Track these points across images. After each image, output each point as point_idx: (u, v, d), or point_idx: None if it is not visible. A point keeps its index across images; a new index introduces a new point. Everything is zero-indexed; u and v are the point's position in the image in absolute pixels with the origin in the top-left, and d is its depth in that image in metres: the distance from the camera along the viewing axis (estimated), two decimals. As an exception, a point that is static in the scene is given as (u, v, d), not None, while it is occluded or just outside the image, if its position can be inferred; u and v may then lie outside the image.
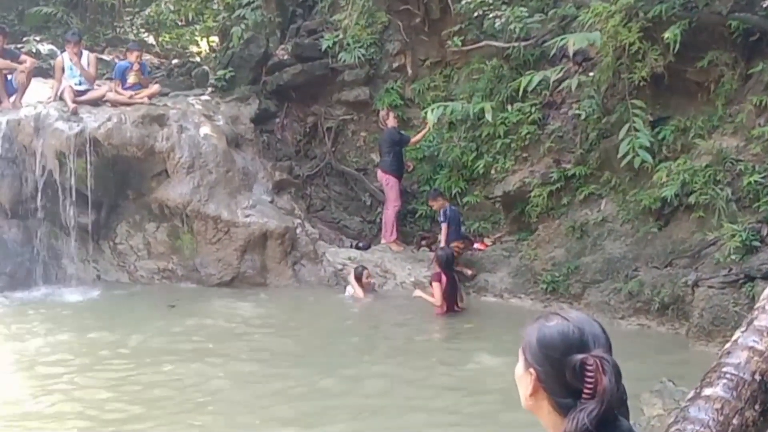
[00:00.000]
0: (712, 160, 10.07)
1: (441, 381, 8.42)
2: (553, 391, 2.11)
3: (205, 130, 12.94)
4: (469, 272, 12.00)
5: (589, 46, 10.87)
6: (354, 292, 11.82)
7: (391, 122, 13.29)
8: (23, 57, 13.18)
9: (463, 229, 12.42)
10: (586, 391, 2.03)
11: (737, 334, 3.53)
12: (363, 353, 9.59)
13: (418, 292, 11.26)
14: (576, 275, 10.99)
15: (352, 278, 11.89)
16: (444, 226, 11.94)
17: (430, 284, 11.18)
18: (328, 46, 14.14)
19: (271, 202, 13.15)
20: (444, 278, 10.92)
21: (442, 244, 11.80)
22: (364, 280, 11.81)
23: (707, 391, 3.26)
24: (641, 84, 10.69)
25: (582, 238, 11.28)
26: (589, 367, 2.04)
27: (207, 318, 10.60)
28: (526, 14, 12.13)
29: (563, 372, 2.07)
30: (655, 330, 9.97)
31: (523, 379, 2.18)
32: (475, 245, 12.34)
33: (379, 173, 13.26)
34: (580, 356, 2.06)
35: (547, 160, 12.19)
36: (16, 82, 12.69)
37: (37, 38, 17.79)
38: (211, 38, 19.38)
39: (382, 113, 13.59)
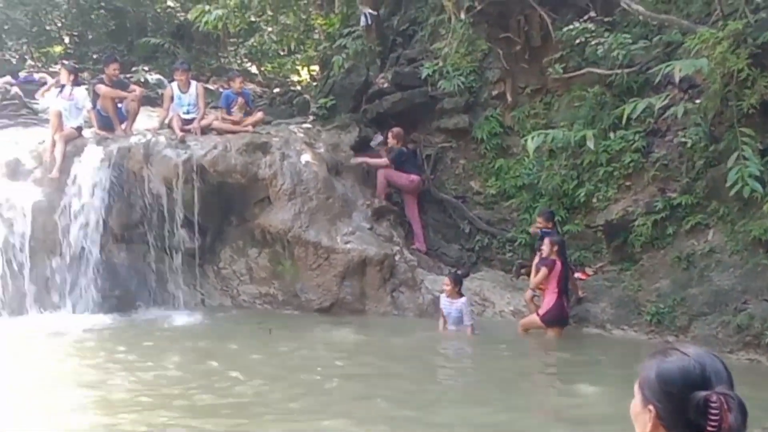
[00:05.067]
0: (825, 190, 9.73)
1: (545, 415, 8.29)
2: (674, 428, 2.08)
3: (307, 157, 13.16)
4: (581, 293, 11.85)
5: (695, 73, 10.64)
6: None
7: (391, 142, 13.87)
8: (132, 86, 13.70)
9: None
10: (710, 429, 2.00)
11: None
12: (462, 388, 9.49)
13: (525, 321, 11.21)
14: (682, 307, 10.70)
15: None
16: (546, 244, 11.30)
17: (536, 271, 11.12)
18: (428, 74, 14.21)
19: (370, 229, 13.21)
20: (559, 264, 10.86)
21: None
22: (444, 286, 11.50)
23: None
24: (750, 111, 10.38)
25: (688, 269, 10.99)
26: (713, 405, 2.01)
27: (307, 343, 10.68)
28: (630, 41, 11.96)
29: (685, 409, 2.04)
30: (766, 365, 9.63)
31: (642, 416, 2.15)
32: (576, 275, 12.14)
33: None
34: (703, 393, 2.03)
35: (651, 188, 11.94)
36: (125, 109, 13.18)
37: (146, 68, 18.50)
38: (312, 67, 19.79)
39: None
